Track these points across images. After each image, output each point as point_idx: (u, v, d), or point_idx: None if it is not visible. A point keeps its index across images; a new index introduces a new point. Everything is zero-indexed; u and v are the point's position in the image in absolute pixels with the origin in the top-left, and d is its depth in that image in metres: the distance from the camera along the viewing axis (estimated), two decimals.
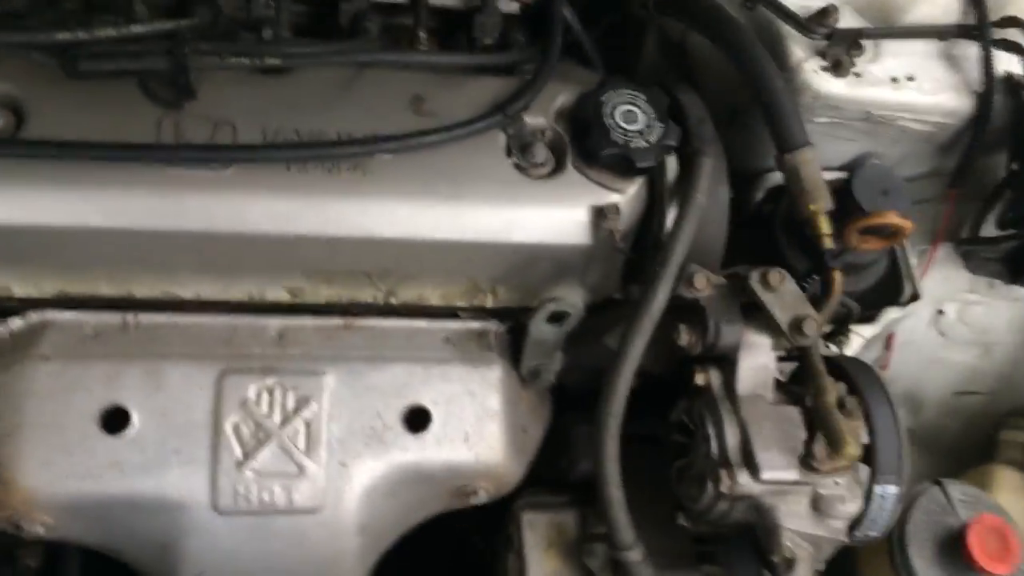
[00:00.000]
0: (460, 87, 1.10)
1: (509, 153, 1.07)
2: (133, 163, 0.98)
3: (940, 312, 1.42)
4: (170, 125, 1.01)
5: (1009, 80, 1.24)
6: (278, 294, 1.09)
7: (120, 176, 0.98)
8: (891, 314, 1.23)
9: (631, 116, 1.07)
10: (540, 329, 1.10)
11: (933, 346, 1.45)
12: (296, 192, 1.01)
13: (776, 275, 1.01)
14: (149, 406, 1.03)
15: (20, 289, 1.04)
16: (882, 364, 1.40)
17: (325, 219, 1.02)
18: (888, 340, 1.38)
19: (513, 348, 1.14)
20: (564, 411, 1.23)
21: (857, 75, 1.20)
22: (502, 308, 1.13)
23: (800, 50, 1.19)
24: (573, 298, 1.08)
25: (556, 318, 1.09)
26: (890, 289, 1.23)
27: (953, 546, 1.18)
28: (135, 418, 1.02)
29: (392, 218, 1.03)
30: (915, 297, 1.23)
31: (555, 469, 1.22)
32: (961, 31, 1.26)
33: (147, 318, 1.07)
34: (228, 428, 1.04)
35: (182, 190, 0.99)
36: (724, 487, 0.99)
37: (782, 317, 1.00)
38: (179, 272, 1.05)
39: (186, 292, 1.07)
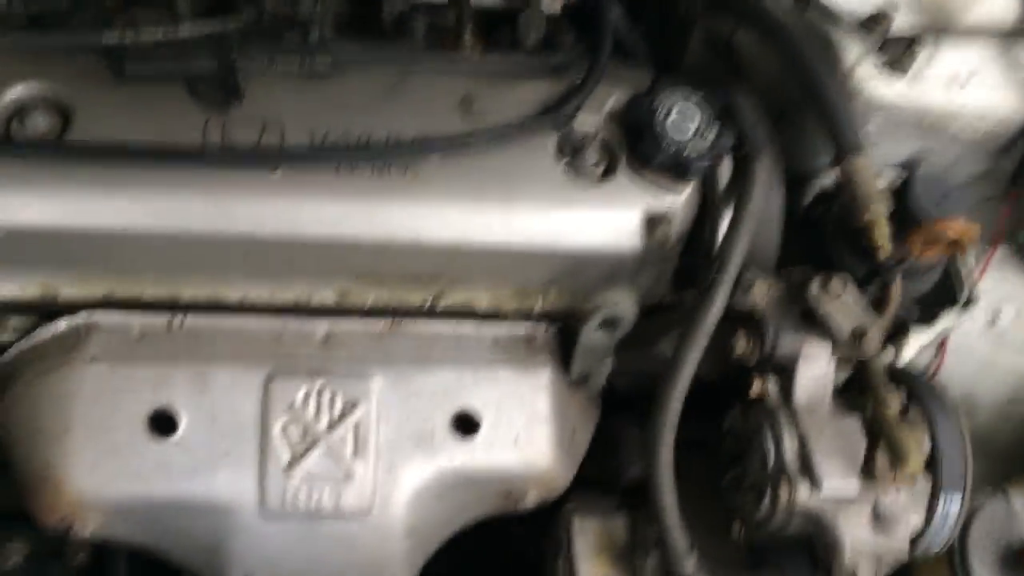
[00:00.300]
0: (510, 88, 1.09)
1: (560, 156, 1.06)
2: (180, 166, 0.97)
3: (996, 316, 1.39)
4: (217, 127, 1.00)
5: None
6: (326, 297, 1.08)
7: (168, 179, 0.97)
8: (948, 318, 1.20)
9: (685, 118, 1.05)
10: (591, 335, 1.08)
11: (988, 351, 1.41)
12: (345, 195, 1.00)
13: (838, 283, 0.99)
14: (197, 409, 1.02)
15: (67, 291, 1.04)
16: (934, 369, 1.37)
17: (374, 223, 1.01)
18: (941, 344, 1.35)
19: (562, 351, 1.13)
20: (612, 411, 1.22)
21: (913, 78, 1.17)
22: (551, 312, 1.12)
23: (854, 52, 1.17)
24: (625, 305, 1.07)
25: (608, 324, 1.07)
26: (947, 293, 1.20)
27: (1018, 558, 1.15)
28: (183, 421, 1.02)
29: (442, 222, 1.02)
30: (972, 301, 1.20)
31: (604, 471, 1.21)
32: (1020, 32, 1.22)
33: (194, 320, 1.06)
34: (276, 431, 1.03)
35: (230, 193, 0.98)
36: (783, 500, 0.97)
37: (843, 327, 0.98)
38: (226, 275, 1.05)
39: (233, 295, 1.06)
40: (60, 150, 0.96)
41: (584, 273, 1.08)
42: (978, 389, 1.45)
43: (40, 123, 0.99)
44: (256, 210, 0.99)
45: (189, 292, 1.06)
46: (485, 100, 1.07)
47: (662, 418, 0.98)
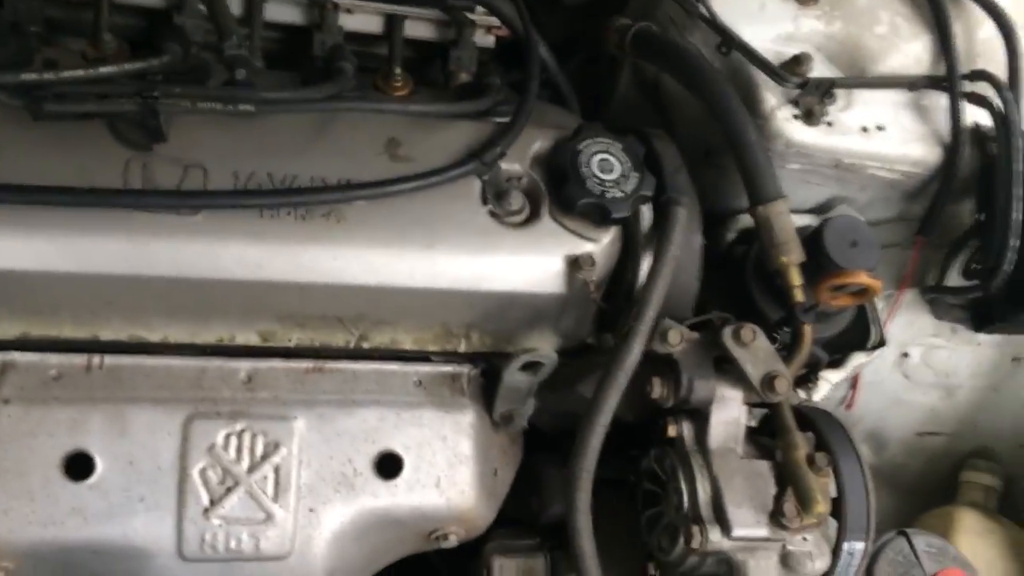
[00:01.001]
0: (436, 131, 1.09)
1: (484, 200, 1.07)
2: (100, 207, 0.96)
3: (905, 355, 1.44)
4: (139, 167, 0.99)
5: (976, 132, 1.26)
6: (248, 338, 1.07)
7: (87, 220, 0.96)
8: (858, 358, 1.24)
9: (607, 165, 1.07)
10: (513, 377, 1.09)
11: (897, 387, 1.47)
12: (268, 238, 1.00)
13: (748, 331, 1.02)
14: (114, 452, 1.01)
15: None
16: (847, 404, 1.42)
17: (297, 266, 1.01)
18: (854, 380, 1.40)
19: (485, 392, 1.14)
20: (535, 450, 1.23)
21: (829, 124, 1.21)
22: (475, 353, 1.13)
23: (773, 97, 1.20)
24: (547, 349, 1.08)
25: (530, 367, 1.09)
26: (857, 335, 1.24)
27: None
28: (99, 464, 1.00)
29: (366, 265, 1.02)
30: (881, 344, 1.24)
31: (525, 509, 1.22)
32: (931, 82, 1.27)
33: (113, 360, 1.05)
34: (195, 474, 1.02)
35: (151, 235, 0.97)
36: (695, 543, 0.99)
37: (754, 373, 1.01)
38: (147, 316, 1.04)
39: (154, 336, 1.05)
40: None
41: (507, 316, 1.09)
42: (888, 423, 1.51)
43: None
44: (177, 252, 0.98)
45: (108, 333, 1.04)
46: (411, 143, 1.07)
47: (580, 462, 0.99)
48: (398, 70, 1.16)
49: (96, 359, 1.05)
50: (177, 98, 0.97)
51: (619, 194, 1.06)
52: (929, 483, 1.55)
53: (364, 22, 1.19)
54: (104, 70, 0.97)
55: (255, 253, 0.99)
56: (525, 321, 1.10)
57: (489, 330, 1.11)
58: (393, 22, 1.18)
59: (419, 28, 1.19)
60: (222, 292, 1.01)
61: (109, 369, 1.05)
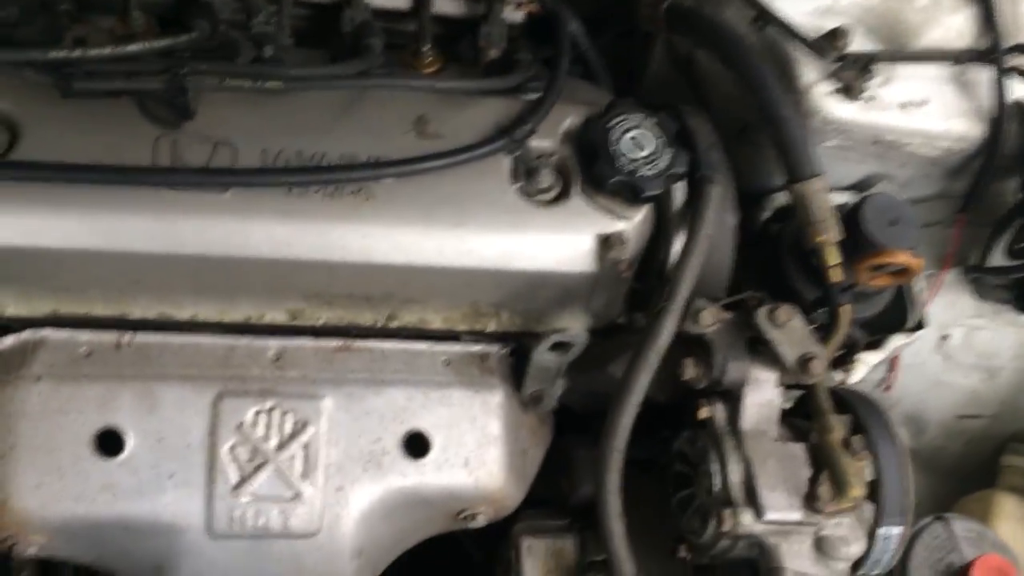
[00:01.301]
0: (465, 108, 1.08)
1: (514, 178, 1.06)
2: (129, 185, 0.96)
3: (945, 336, 1.41)
4: (168, 145, 0.99)
5: (1021, 107, 1.23)
6: (277, 316, 1.07)
7: (116, 198, 0.96)
8: (896, 340, 1.22)
9: (639, 142, 1.05)
10: (543, 357, 1.08)
11: (937, 369, 1.44)
12: (297, 216, 0.99)
13: (783, 312, 1.00)
14: (143, 428, 1.01)
15: (13, 308, 1.02)
16: (886, 386, 1.39)
17: (326, 244, 1.00)
18: (893, 362, 1.37)
19: (515, 371, 1.13)
20: (564, 430, 1.22)
21: (868, 99, 1.18)
22: (504, 332, 1.12)
23: (810, 72, 1.17)
24: (577, 329, 1.07)
25: (559, 347, 1.08)
26: (896, 316, 1.22)
27: None
28: (129, 441, 1.01)
29: (395, 244, 1.01)
30: (920, 326, 1.21)
31: (554, 489, 1.21)
32: (974, 56, 1.24)
33: (143, 338, 1.05)
34: (224, 451, 1.02)
35: (180, 213, 0.97)
36: (727, 526, 0.98)
37: (789, 354, 0.99)
38: (176, 294, 1.04)
39: (183, 314, 1.05)
40: (5, 168, 0.95)
41: (537, 295, 1.08)
42: (928, 406, 1.48)
43: None
44: (206, 230, 0.98)
45: (138, 310, 1.04)
46: (440, 120, 1.06)
47: (611, 442, 0.98)
48: (427, 47, 1.14)
49: (126, 337, 1.05)
50: (205, 75, 0.97)
51: (651, 172, 1.04)
52: (969, 467, 1.52)
53: None
54: (133, 47, 0.96)
55: (284, 231, 0.99)
56: (555, 300, 1.08)
57: (519, 309, 1.10)
58: None
59: (448, 4, 1.17)
60: (251, 270, 1.01)
61: (139, 347, 1.05)
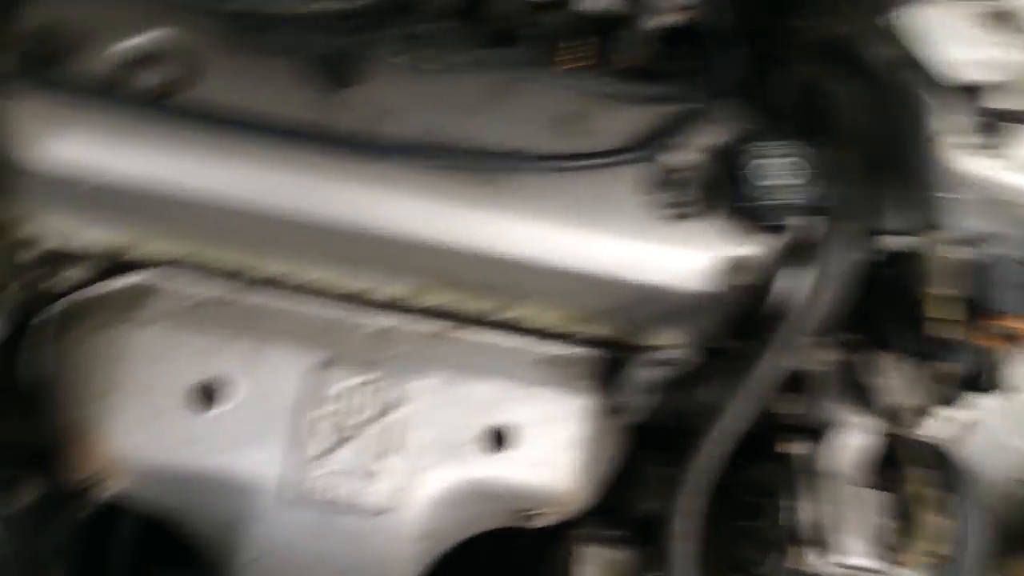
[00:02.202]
0: (611, 111, 1.08)
1: (645, 189, 1.05)
2: (280, 142, 0.97)
3: (1013, 396, 1.40)
4: (327, 108, 0.99)
5: None
6: (389, 292, 1.08)
7: (266, 153, 0.97)
8: (985, 401, 1.21)
9: (778, 170, 1.04)
10: (638, 371, 1.09)
11: (1002, 430, 1.43)
12: (435, 197, 1.00)
13: (884, 359, 1.00)
14: (239, 387, 1.03)
15: (136, 250, 1.03)
16: (958, 444, 1.38)
17: (456, 227, 1.01)
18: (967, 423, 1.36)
19: (604, 379, 1.13)
20: (637, 444, 1.22)
21: (1003, 157, 1.16)
22: (602, 338, 1.12)
23: (949, 122, 1.16)
24: (679, 347, 1.07)
25: (658, 364, 1.08)
26: (977, 376, 1.21)
27: None
28: (227, 396, 1.02)
29: (522, 237, 1.02)
30: (996, 387, 1.21)
31: (616, 501, 1.22)
32: None
33: (255, 296, 1.06)
34: (311, 420, 1.04)
35: (323, 177, 0.98)
36: (791, 562, 0.98)
37: (884, 403, 0.99)
38: (303, 256, 1.05)
39: (304, 276, 1.06)
40: (164, 109, 0.96)
41: (646, 307, 1.07)
42: (985, 467, 1.47)
43: (154, 77, 0.98)
44: (345, 197, 0.99)
45: (261, 267, 1.05)
46: (587, 121, 1.06)
47: (698, 466, 0.99)
48: (581, 44, 1.15)
49: (240, 292, 1.06)
50: (375, 45, 0.99)
51: (789, 201, 1.03)
52: (1020, 532, 1.52)
53: None
54: (311, 7, 0.98)
55: (419, 210, 1.00)
56: (662, 315, 1.08)
57: (623, 318, 1.10)
58: None
59: (602, 1, 1.16)
60: (382, 243, 1.01)
61: (250, 304, 1.06)
